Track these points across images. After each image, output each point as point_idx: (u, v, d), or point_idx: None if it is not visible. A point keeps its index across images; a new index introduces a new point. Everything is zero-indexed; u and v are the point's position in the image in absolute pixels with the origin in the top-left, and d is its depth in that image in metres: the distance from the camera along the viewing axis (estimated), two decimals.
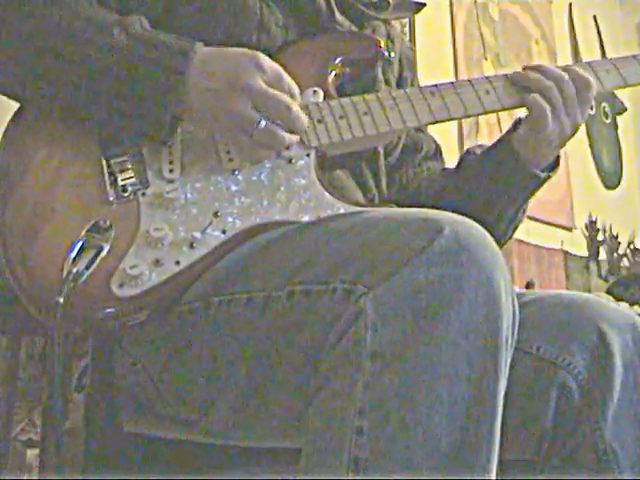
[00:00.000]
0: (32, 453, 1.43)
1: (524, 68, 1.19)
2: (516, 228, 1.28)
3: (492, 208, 1.23)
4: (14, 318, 0.97)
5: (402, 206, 1.27)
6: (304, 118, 1.01)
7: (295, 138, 1.02)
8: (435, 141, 1.41)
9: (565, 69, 1.17)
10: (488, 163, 1.24)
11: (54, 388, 0.87)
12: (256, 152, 1.02)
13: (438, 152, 1.40)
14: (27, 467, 1.44)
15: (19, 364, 1.22)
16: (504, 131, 1.24)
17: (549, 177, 1.21)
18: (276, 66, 1.01)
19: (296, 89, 1.02)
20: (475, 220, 1.20)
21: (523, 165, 1.18)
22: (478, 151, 1.29)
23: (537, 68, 1.17)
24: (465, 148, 1.41)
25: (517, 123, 1.21)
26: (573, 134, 1.18)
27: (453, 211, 1.22)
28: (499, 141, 1.24)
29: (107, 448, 1.04)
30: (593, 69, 1.20)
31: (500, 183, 1.21)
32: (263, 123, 0.98)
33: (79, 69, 0.99)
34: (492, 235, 1.23)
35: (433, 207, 1.23)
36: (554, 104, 1.14)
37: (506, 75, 1.17)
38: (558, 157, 1.22)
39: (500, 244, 1.26)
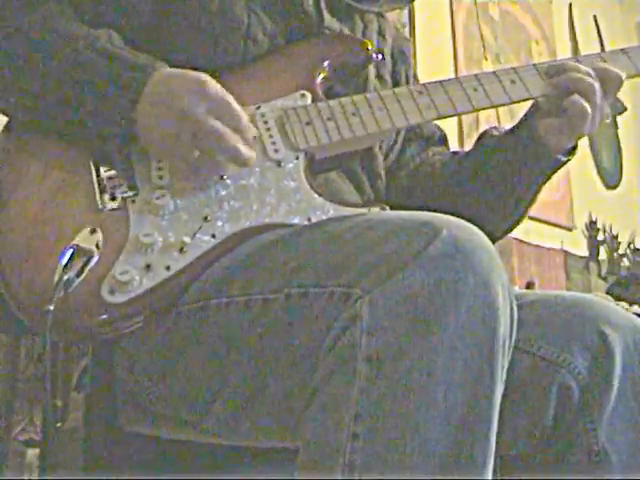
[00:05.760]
0: (32, 453, 1.43)
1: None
2: (527, 212, 1.27)
3: (509, 190, 1.21)
4: (14, 318, 0.97)
5: (414, 194, 1.28)
6: (244, 151, 0.99)
7: (234, 168, 1.01)
8: (440, 129, 1.39)
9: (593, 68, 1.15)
10: (509, 145, 1.21)
11: (48, 396, 0.87)
12: (194, 175, 1.01)
13: (443, 138, 1.39)
14: (27, 467, 1.44)
15: (19, 364, 1.22)
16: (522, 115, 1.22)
17: (568, 160, 1.20)
18: (223, 95, 0.99)
19: (243, 121, 1.00)
20: (492, 202, 1.22)
21: (547, 151, 1.16)
22: (495, 133, 1.26)
23: (566, 67, 1.14)
24: (465, 148, 1.40)
25: (534, 107, 1.18)
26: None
27: (470, 193, 1.23)
28: (520, 126, 1.21)
29: (107, 448, 1.04)
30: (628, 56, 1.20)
31: (521, 165, 1.19)
32: (196, 153, 0.99)
33: (43, 80, 1.01)
34: (510, 217, 1.25)
35: (447, 190, 1.25)
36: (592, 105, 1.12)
37: (494, 72, 1.15)
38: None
39: (513, 227, 1.27)
